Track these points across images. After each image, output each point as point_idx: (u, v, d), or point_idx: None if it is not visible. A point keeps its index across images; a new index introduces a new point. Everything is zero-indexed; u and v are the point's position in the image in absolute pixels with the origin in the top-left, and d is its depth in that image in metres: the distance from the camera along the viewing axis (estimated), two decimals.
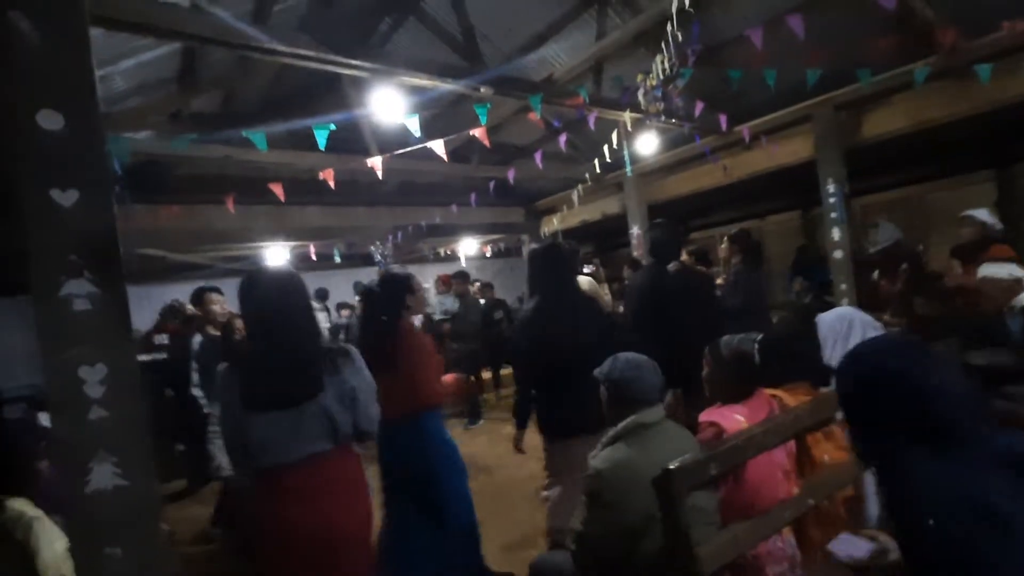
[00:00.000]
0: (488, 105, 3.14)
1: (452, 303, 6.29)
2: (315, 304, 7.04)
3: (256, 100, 5.47)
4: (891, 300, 4.26)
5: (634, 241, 6.83)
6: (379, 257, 6.98)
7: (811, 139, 5.30)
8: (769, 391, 1.97)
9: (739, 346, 1.86)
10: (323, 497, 1.60)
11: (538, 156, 4.45)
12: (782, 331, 2.12)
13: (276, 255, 6.68)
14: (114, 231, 1.49)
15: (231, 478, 2.91)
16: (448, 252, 8.94)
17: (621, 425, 1.59)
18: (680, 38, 2.90)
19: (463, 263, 8.83)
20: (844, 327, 2.34)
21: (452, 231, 7.34)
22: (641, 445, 1.56)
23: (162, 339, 4.91)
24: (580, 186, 5.78)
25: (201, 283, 7.57)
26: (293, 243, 6.35)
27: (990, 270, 3.05)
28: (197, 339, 3.62)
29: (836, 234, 5.16)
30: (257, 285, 1.66)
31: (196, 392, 3.53)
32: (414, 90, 3.77)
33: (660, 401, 1.66)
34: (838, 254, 5.16)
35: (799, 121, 5.33)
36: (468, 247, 8.55)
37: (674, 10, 2.35)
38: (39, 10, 1.41)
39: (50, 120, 1.41)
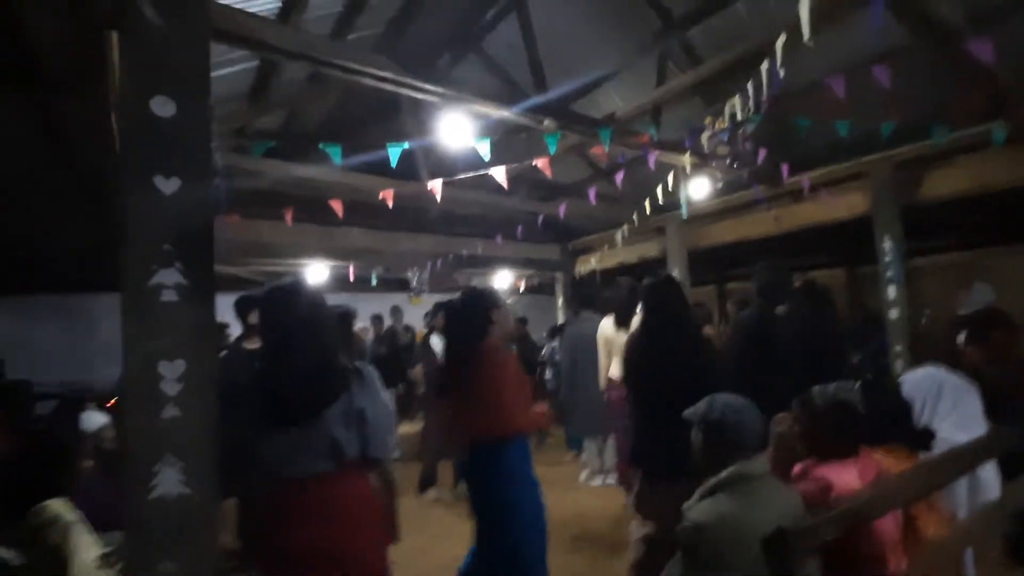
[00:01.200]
0: (558, 135, 3.12)
1: None
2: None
3: (318, 122, 5.63)
4: (973, 369, 4.02)
5: None
6: (415, 284, 6.95)
7: (867, 194, 5.20)
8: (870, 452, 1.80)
9: (837, 394, 1.71)
10: (322, 518, 1.53)
11: (592, 193, 4.41)
12: (877, 393, 1.95)
13: (317, 273, 6.70)
14: (210, 223, 1.45)
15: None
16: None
17: (724, 474, 1.44)
18: (758, 81, 2.84)
19: None
20: (934, 388, 2.18)
21: (488, 263, 7.30)
22: (746, 499, 1.41)
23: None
24: (625, 226, 5.72)
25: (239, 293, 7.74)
26: (334, 262, 6.37)
27: None
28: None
29: (892, 293, 4.97)
30: (279, 298, 1.63)
31: None
32: (474, 119, 3.82)
33: (763, 449, 1.52)
34: (894, 314, 4.95)
35: (855, 176, 5.24)
36: (502, 280, 8.50)
37: (779, 45, 2.29)
38: (165, 7, 1.42)
39: (163, 107, 1.39)
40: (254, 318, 5.71)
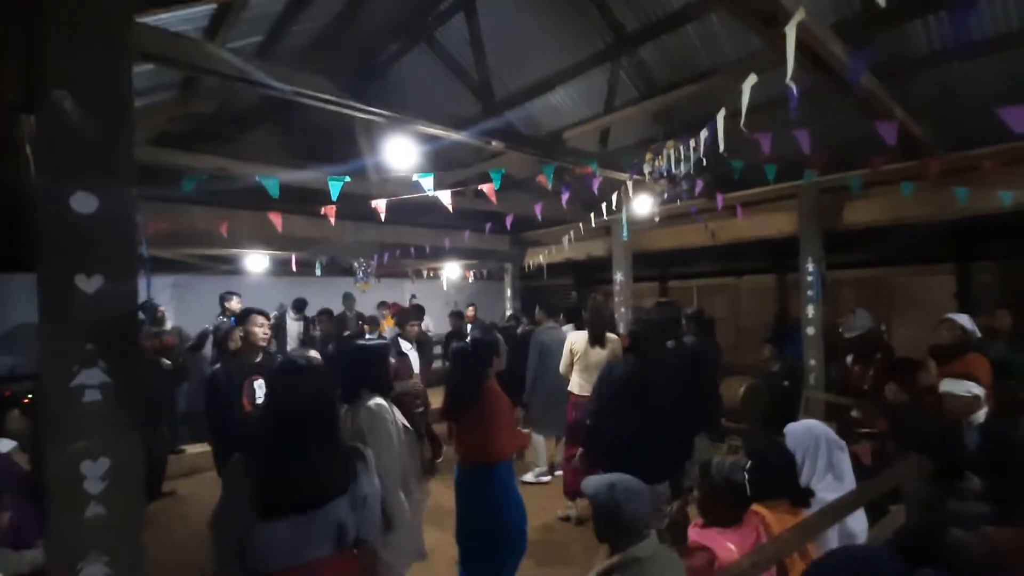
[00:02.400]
0: (502, 171, 3.16)
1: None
2: (291, 314, 6.93)
3: (251, 105, 5.37)
4: (861, 387, 4.47)
5: (617, 287, 6.95)
6: (361, 274, 6.88)
7: (795, 216, 5.55)
8: (754, 507, 2.04)
9: (730, 475, 1.91)
10: None
11: (538, 209, 4.48)
12: (767, 451, 2.18)
13: (256, 261, 6.50)
14: (135, 318, 1.44)
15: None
16: (430, 274, 8.89)
17: (617, 559, 1.62)
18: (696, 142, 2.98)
19: (444, 285, 8.81)
20: (812, 444, 2.44)
21: (437, 254, 7.30)
22: None
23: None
24: (571, 232, 5.86)
25: (174, 278, 7.42)
26: (274, 252, 6.19)
27: (950, 386, 3.24)
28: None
29: (811, 311, 5.38)
30: (290, 380, 1.58)
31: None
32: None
33: (650, 530, 1.71)
34: (811, 331, 5.38)
35: (785, 197, 5.56)
36: (451, 270, 8.53)
37: (720, 117, 2.39)
38: (84, 89, 1.37)
39: (84, 203, 1.36)
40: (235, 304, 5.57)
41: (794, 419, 4.98)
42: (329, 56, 4.28)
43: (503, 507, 2.70)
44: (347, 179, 2.92)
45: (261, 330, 3.01)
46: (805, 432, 2.45)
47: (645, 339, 3.03)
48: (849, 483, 2.38)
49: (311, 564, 1.52)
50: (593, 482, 1.83)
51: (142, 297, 1.99)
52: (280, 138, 5.88)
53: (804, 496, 2.19)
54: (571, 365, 4.17)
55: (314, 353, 1.75)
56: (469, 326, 6.93)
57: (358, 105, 2.97)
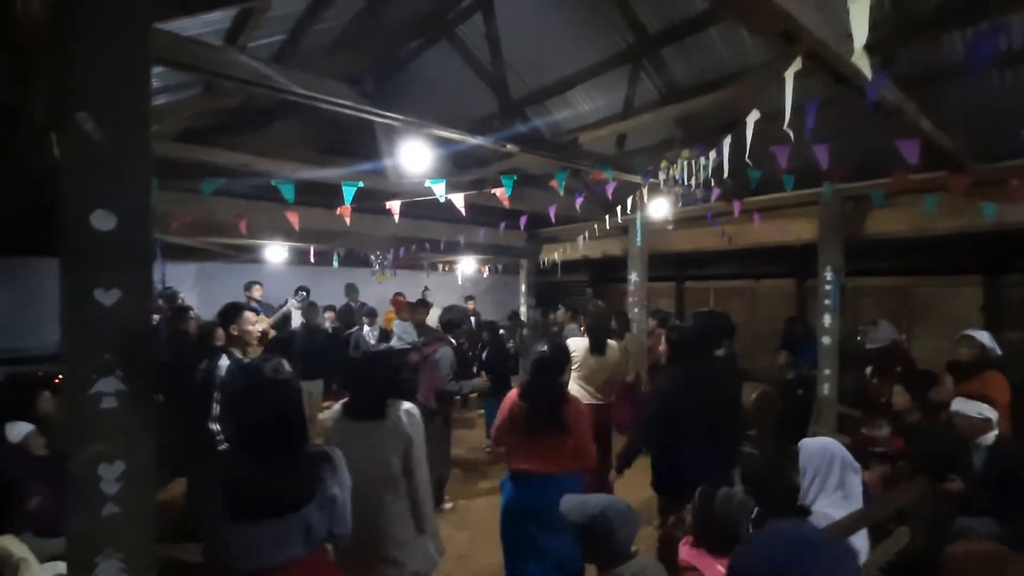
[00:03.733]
0: (514, 177, 3.18)
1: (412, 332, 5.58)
2: (295, 303, 7.06)
3: (274, 100, 5.44)
4: (879, 400, 4.40)
5: (632, 287, 6.93)
6: (377, 266, 6.98)
7: (815, 223, 5.45)
8: None
9: (734, 516, 1.88)
10: None
11: (552, 211, 4.49)
12: (767, 477, 2.19)
13: (276, 251, 6.64)
14: (150, 329, 1.51)
15: None
16: (446, 268, 8.96)
17: None
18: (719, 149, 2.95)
19: (459, 279, 8.88)
20: (825, 463, 2.43)
21: (453, 248, 7.36)
22: None
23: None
24: (586, 232, 5.85)
25: (198, 266, 7.62)
26: (292, 243, 6.32)
27: (962, 406, 3.20)
28: (224, 362, 3.12)
29: (827, 320, 5.30)
30: (254, 389, 1.67)
31: (214, 427, 3.02)
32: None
33: (636, 548, 1.74)
34: (827, 340, 5.30)
35: (806, 203, 5.47)
36: (466, 264, 8.59)
37: (750, 120, 2.35)
38: (106, 111, 1.43)
39: (103, 221, 1.43)
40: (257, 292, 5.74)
41: (805, 429, 4.96)
42: (350, 54, 4.32)
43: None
44: (360, 184, 2.98)
45: (253, 328, 3.07)
46: (820, 450, 2.44)
47: (687, 350, 3.03)
48: (857, 503, 2.38)
49: (281, 564, 1.60)
50: (580, 506, 1.84)
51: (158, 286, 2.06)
52: (301, 131, 5.97)
53: (800, 515, 2.20)
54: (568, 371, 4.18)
55: (285, 363, 1.79)
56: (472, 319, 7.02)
57: (374, 110, 3.01)
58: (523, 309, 8.48)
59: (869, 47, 3.05)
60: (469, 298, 8.03)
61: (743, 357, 5.65)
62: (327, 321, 6.67)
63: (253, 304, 6.14)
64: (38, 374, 4.38)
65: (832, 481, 2.41)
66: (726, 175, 3.11)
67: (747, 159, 2.75)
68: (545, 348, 2.73)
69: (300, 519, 1.61)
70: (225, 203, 5.43)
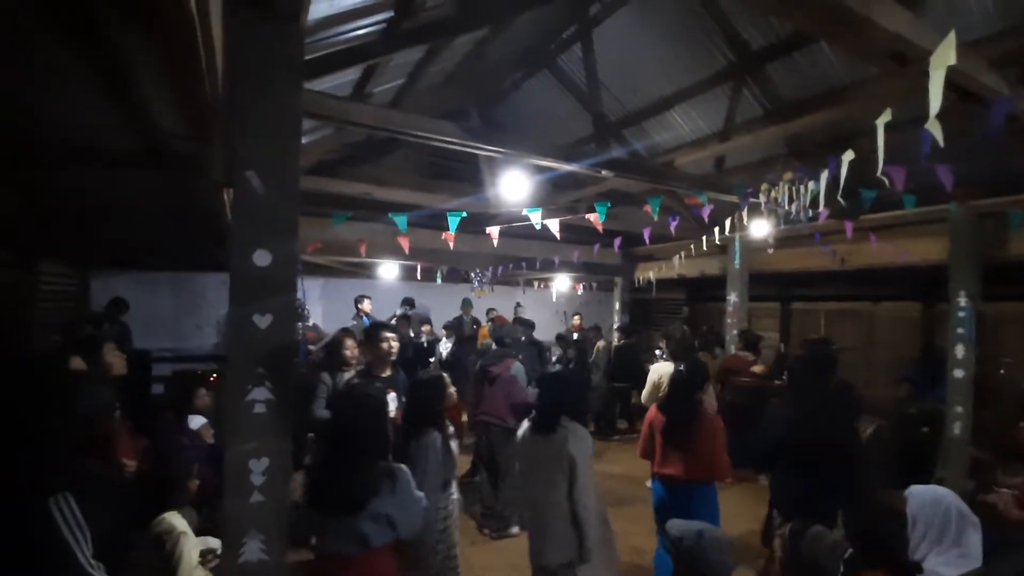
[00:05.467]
0: (608, 204, 3.27)
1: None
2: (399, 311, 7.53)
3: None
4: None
5: (730, 308, 6.67)
6: (476, 282, 7.34)
7: (944, 242, 4.92)
8: None
9: (824, 559, 1.82)
10: None
11: (646, 233, 4.50)
12: (873, 528, 2.04)
13: (388, 269, 7.24)
14: (295, 347, 1.81)
15: None
16: (541, 284, 9.17)
17: None
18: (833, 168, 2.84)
19: (553, 296, 9.04)
20: (938, 516, 2.23)
21: (548, 266, 7.54)
22: None
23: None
24: (682, 252, 5.75)
25: (323, 280, 8.51)
26: (402, 261, 6.85)
27: None
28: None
29: (960, 351, 4.75)
30: (347, 399, 1.96)
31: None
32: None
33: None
34: (959, 373, 4.75)
35: (932, 220, 4.96)
36: (560, 281, 8.73)
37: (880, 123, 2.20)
38: (266, 167, 1.76)
39: (262, 258, 1.75)
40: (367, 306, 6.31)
41: (930, 471, 4.47)
42: (458, 91, 4.68)
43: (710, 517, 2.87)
44: (464, 214, 3.23)
45: (389, 345, 3.30)
46: (933, 502, 2.21)
47: (801, 378, 3.11)
48: (976, 562, 2.16)
49: (340, 556, 1.84)
50: (679, 525, 1.89)
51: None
52: (414, 159, 6.52)
53: (911, 571, 2.04)
54: (655, 398, 4.12)
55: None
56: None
57: (477, 144, 3.26)
58: (616, 324, 8.43)
59: (1003, 57, 2.80)
60: (575, 314, 8.10)
61: (856, 387, 5.21)
62: (423, 335, 7.07)
63: (363, 317, 6.72)
64: (197, 372, 5.06)
65: (948, 537, 2.20)
66: (840, 194, 2.97)
67: (878, 175, 2.56)
68: (682, 367, 3.05)
69: (353, 524, 1.83)
70: (349, 227, 6.04)
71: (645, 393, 4.21)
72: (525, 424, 2.70)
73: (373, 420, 1.96)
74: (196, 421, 3.33)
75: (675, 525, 1.90)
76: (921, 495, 2.32)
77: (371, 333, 3.36)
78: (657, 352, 6.35)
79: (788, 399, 3.09)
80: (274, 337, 1.77)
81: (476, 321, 7.92)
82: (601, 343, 7.47)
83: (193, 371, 4.59)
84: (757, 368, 5.41)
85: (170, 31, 1.28)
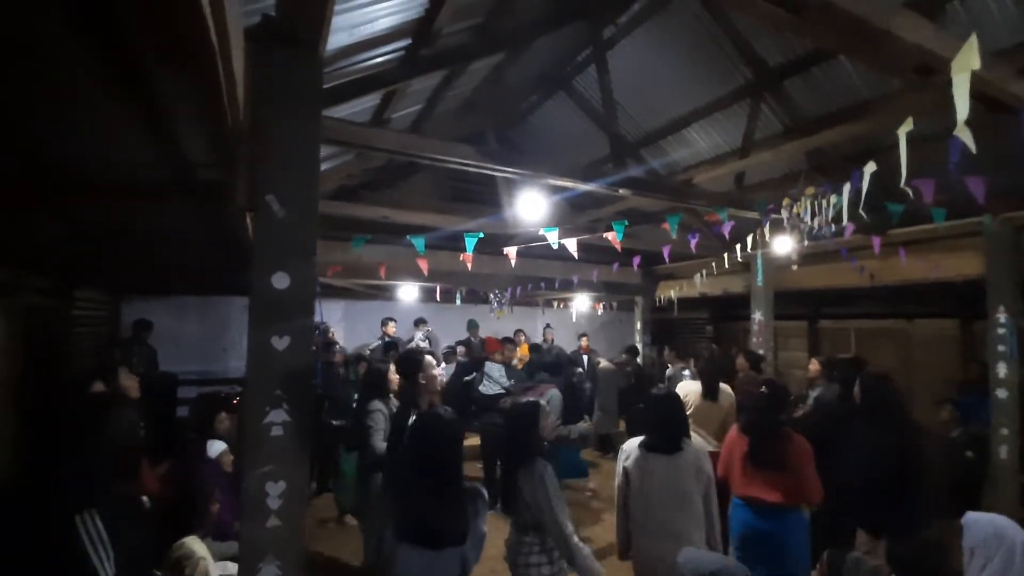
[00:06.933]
0: (626, 223, 3.25)
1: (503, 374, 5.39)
2: (419, 334, 7.55)
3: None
4: None
5: (755, 327, 6.51)
6: (496, 303, 7.33)
7: (980, 257, 4.74)
8: None
9: None
10: None
11: (666, 251, 4.45)
12: (919, 559, 1.92)
13: (408, 291, 7.30)
14: (312, 370, 1.82)
15: None
16: (560, 305, 9.12)
17: None
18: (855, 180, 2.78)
19: (573, 316, 8.98)
20: (998, 547, 2.07)
21: (567, 286, 7.51)
22: None
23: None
24: (704, 270, 5.67)
25: (344, 303, 8.64)
26: (421, 283, 6.90)
27: None
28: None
29: (1003, 370, 4.54)
30: (431, 424, 1.87)
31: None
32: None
33: None
34: (1003, 394, 4.53)
35: (964, 235, 4.80)
36: (580, 301, 8.67)
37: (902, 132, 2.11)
38: (286, 192, 1.79)
39: (281, 280, 1.77)
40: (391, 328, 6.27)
41: (975, 498, 4.23)
42: (476, 115, 4.76)
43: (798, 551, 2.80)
44: (481, 235, 3.24)
45: (434, 374, 3.22)
46: (993, 533, 2.06)
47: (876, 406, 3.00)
48: None
49: None
50: (695, 561, 1.79)
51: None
52: (433, 182, 6.60)
53: None
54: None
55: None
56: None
57: (495, 167, 3.29)
58: (639, 346, 8.30)
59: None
60: (582, 335, 8.06)
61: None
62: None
63: (387, 339, 6.76)
64: (220, 394, 5.10)
65: (1009, 568, 2.05)
66: (862, 208, 2.90)
67: (901, 187, 2.49)
68: (765, 388, 3.07)
69: (457, 554, 1.76)
70: (369, 250, 6.11)
71: None
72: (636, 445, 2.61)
73: (459, 447, 1.93)
74: (215, 447, 3.35)
75: (688, 561, 1.80)
76: (978, 522, 2.17)
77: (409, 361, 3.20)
78: (685, 372, 6.22)
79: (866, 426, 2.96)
80: (292, 359, 1.78)
81: (484, 343, 7.91)
82: (603, 363, 7.29)
83: (217, 393, 4.64)
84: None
85: (193, 63, 1.32)
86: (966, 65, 1.49)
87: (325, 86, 2.18)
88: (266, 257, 1.78)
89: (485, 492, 1.93)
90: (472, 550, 1.79)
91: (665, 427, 2.55)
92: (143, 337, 6.27)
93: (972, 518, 2.20)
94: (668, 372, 6.60)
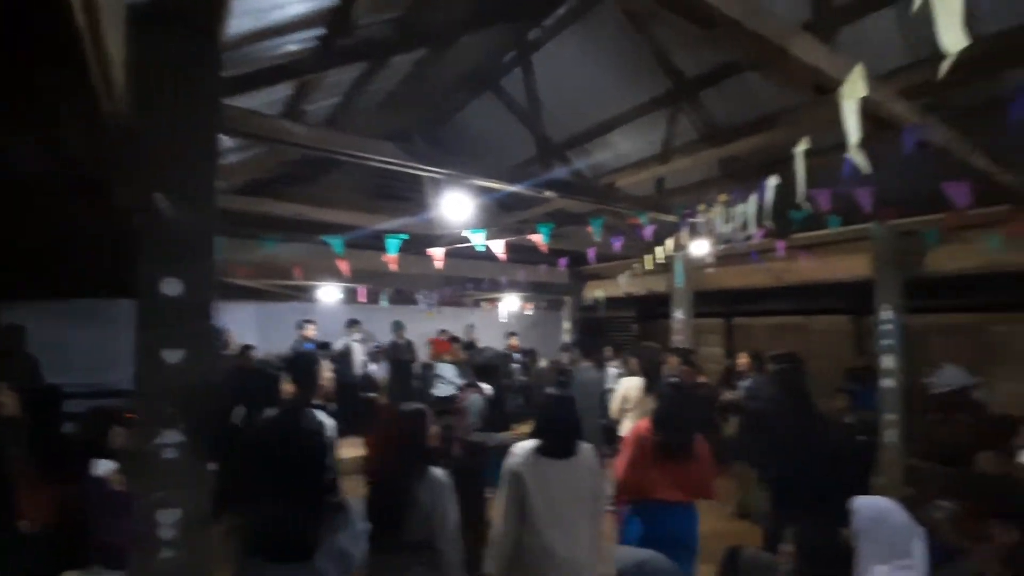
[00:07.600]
0: (552, 225, 3.27)
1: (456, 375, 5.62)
2: (355, 337, 7.29)
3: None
4: (946, 450, 4.11)
5: (676, 326, 6.81)
6: (423, 304, 7.19)
7: (869, 259, 5.23)
8: None
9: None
10: None
11: (591, 253, 4.53)
12: (818, 543, 2.05)
13: (329, 292, 6.98)
14: (211, 386, 1.66)
15: None
16: (490, 305, 9.11)
17: None
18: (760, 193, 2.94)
19: (504, 315, 8.99)
20: (883, 528, 2.26)
21: (496, 287, 7.50)
22: None
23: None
24: (628, 272, 5.84)
25: (257, 305, 8.12)
26: (344, 283, 6.63)
27: None
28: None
29: (888, 362, 5.03)
30: (271, 429, 1.77)
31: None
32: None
33: None
34: (888, 383, 5.01)
35: (858, 239, 5.27)
36: (510, 301, 8.69)
37: (799, 152, 2.22)
38: (177, 190, 1.62)
39: (172, 286, 1.60)
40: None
41: (867, 480, 4.64)
42: (399, 112, 4.61)
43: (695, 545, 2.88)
44: (405, 236, 3.14)
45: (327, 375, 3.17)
46: (876, 513, 2.27)
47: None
48: (921, 572, 2.20)
49: None
50: (623, 556, 1.84)
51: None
52: (354, 180, 6.33)
53: None
54: (621, 411, 4.19)
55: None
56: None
57: (419, 166, 3.19)
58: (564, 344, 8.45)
59: (915, 88, 2.99)
60: (511, 334, 8.08)
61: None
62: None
63: (307, 343, 6.44)
64: (111, 409, 4.63)
65: (894, 548, 2.24)
66: (767, 217, 3.08)
67: (798, 200, 2.67)
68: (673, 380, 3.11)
69: (312, 566, 1.68)
70: (284, 249, 5.79)
71: (615, 405, 4.26)
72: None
73: (318, 451, 1.81)
74: (102, 466, 3.02)
75: (621, 555, 1.84)
76: (865, 507, 2.35)
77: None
78: (612, 370, 6.38)
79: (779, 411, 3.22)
80: (188, 373, 1.61)
81: (410, 344, 7.78)
82: (544, 362, 7.38)
83: (108, 407, 4.20)
84: (702, 378, 5.55)
85: (59, 46, 1.15)
86: (854, 92, 1.61)
87: (227, 74, 2.01)
88: (154, 262, 1.60)
89: (350, 503, 1.84)
90: (334, 568, 1.71)
91: (563, 430, 2.28)
92: (16, 345, 5.51)
93: (861, 502, 2.39)
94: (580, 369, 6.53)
